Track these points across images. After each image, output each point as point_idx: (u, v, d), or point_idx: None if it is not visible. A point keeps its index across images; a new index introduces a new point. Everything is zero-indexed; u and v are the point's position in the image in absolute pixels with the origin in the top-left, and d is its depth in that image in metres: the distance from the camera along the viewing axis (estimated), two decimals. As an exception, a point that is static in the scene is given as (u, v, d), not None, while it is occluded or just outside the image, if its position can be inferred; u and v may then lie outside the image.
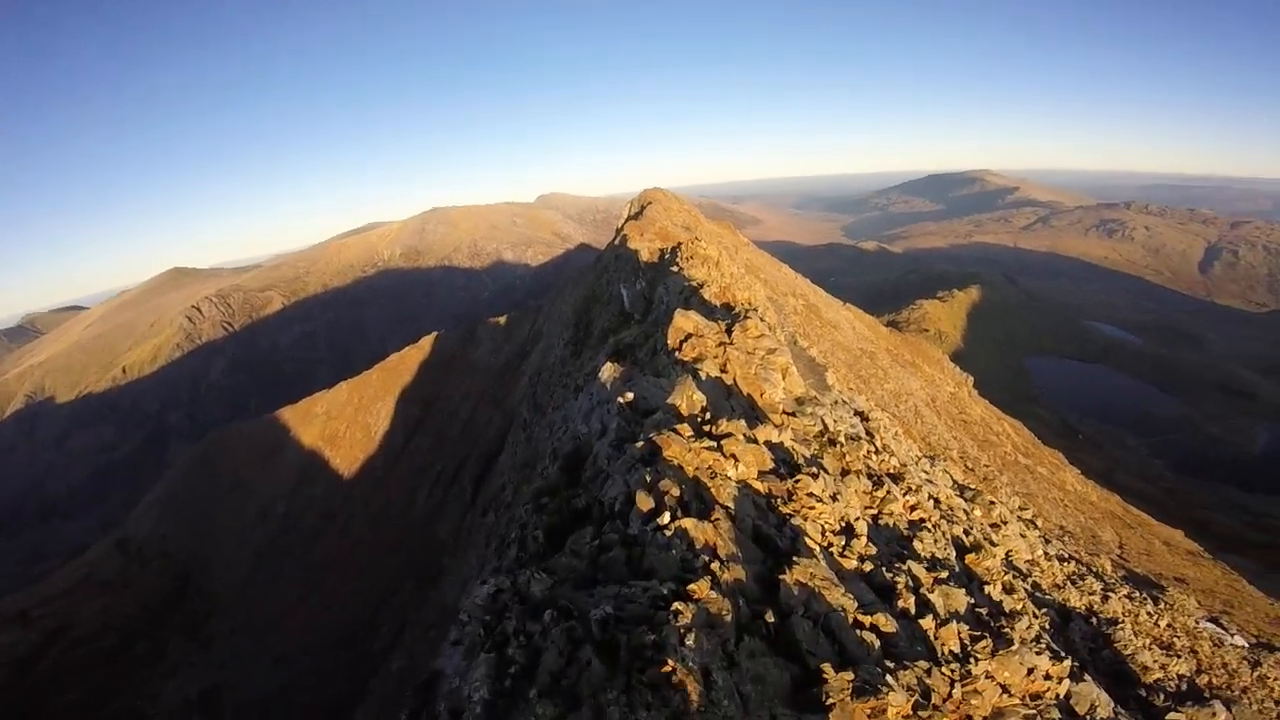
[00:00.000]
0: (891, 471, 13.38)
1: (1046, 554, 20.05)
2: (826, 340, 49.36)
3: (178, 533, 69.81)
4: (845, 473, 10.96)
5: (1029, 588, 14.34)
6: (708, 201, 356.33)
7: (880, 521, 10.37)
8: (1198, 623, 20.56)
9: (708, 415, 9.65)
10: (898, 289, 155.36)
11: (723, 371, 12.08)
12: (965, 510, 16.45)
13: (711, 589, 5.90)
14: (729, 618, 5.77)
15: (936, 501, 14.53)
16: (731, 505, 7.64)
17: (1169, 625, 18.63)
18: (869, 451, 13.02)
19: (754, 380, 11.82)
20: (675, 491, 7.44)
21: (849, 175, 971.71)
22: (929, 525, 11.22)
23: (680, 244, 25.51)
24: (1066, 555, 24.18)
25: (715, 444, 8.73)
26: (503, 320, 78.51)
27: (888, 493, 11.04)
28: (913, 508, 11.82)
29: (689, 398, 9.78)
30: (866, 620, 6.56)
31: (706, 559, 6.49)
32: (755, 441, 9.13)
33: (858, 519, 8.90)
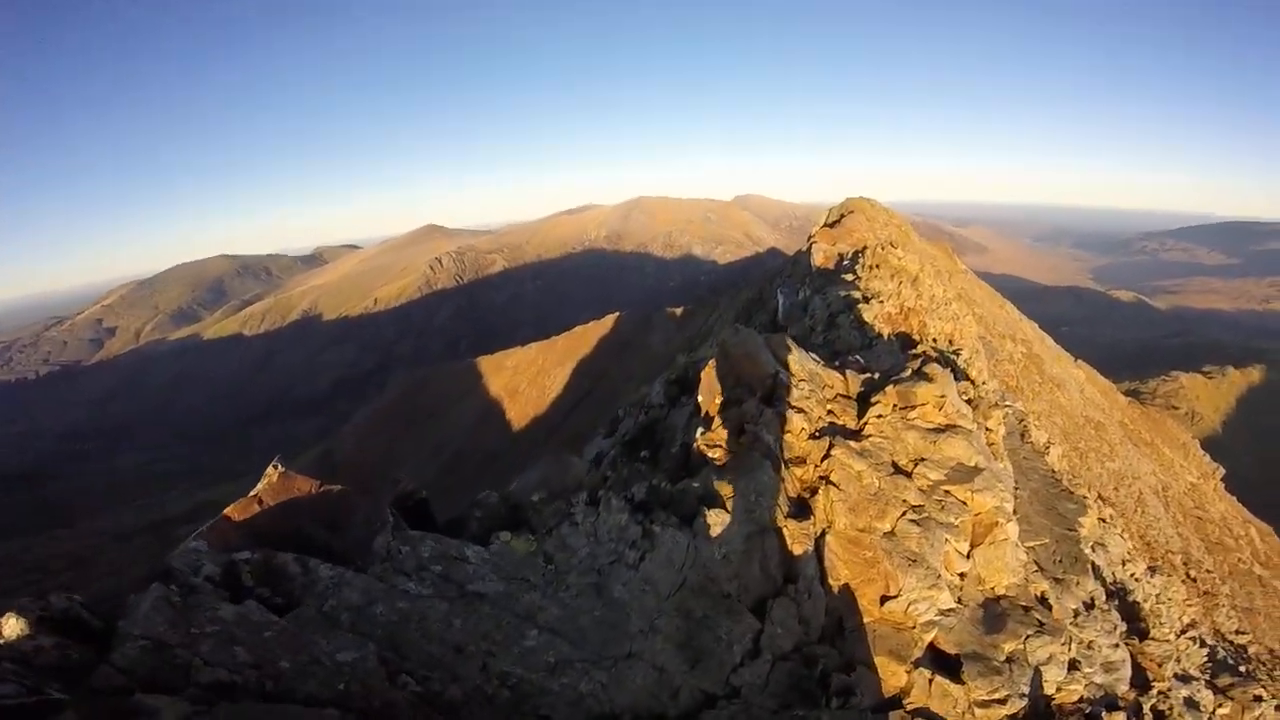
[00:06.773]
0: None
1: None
2: (1044, 400, 41.86)
3: (371, 451, 78.20)
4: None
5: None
6: (924, 221, 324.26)
7: None
8: None
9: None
10: (1151, 353, 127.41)
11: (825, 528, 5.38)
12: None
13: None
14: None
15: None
16: None
17: None
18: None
19: (873, 567, 5.10)
20: None
21: (1110, 210, 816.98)
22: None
23: (865, 248, 21.25)
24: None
25: None
26: (679, 311, 79.44)
27: None
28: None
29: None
30: None
31: None
32: None
33: None
